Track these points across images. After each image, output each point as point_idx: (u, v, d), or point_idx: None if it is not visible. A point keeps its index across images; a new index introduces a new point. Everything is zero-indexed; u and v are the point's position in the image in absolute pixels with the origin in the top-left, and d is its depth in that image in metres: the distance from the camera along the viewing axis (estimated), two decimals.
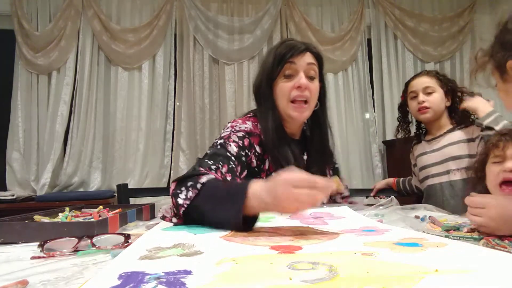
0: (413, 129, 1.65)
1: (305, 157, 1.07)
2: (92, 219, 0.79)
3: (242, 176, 0.92)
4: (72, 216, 0.84)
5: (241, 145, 0.93)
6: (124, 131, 2.72)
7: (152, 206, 1.05)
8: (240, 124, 0.99)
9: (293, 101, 0.99)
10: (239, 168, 0.90)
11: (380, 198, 1.64)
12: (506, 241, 0.54)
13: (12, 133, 2.59)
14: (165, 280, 0.35)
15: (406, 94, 1.55)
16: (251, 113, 1.08)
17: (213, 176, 0.77)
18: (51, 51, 2.65)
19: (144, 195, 1.93)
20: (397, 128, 1.64)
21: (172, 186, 0.76)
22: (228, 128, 0.98)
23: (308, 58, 0.99)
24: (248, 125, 0.99)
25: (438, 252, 0.47)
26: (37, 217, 0.78)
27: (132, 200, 1.67)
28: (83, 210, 0.96)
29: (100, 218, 0.78)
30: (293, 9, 2.96)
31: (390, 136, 2.92)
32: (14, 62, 2.64)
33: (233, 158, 0.89)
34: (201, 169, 0.81)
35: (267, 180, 0.65)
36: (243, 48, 2.86)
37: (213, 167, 0.83)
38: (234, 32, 2.91)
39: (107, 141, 2.73)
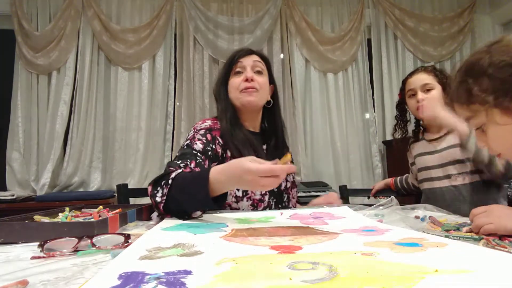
0: (410, 127, 1.61)
1: (264, 146, 1.20)
2: (92, 219, 0.79)
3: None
4: (72, 216, 0.84)
5: (205, 141, 1.03)
6: (124, 131, 2.72)
7: (152, 206, 1.05)
8: (200, 124, 1.11)
9: (243, 92, 1.13)
10: (206, 162, 1.00)
11: (380, 199, 1.64)
12: (506, 241, 0.54)
13: (12, 133, 2.59)
14: (165, 280, 0.35)
15: (404, 92, 1.51)
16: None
17: (181, 170, 0.87)
18: (51, 51, 2.65)
19: (144, 195, 1.92)
20: (394, 127, 1.62)
21: (149, 189, 0.87)
22: (191, 131, 1.09)
23: (254, 57, 1.16)
24: (207, 123, 1.12)
25: (438, 252, 0.47)
26: (37, 217, 0.78)
27: (132, 200, 1.67)
28: (83, 210, 0.95)
29: (100, 218, 0.78)
30: (293, 9, 2.96)
31: (390, 136, 2.91)
32: (14, 62, 2.64)
33: (199, 154, 0.99)
34: (171, 168, 0.90)
35: (227, 165, 0.79)
36: None
37: (181, 165, 0.92)
38: (234, 32, 2.91)
39: (107, 141, 2.73)
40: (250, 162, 0.73)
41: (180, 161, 0.94)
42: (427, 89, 1.40)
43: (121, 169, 2.68)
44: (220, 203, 0.82)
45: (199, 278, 0.36)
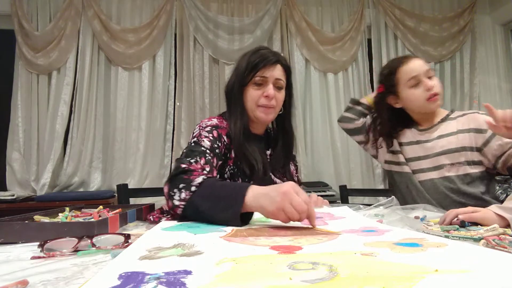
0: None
1: (268, 151, 1.19)
2: (92, 219, 0.79)
3: (218, 166, 1.01)
4: (72, 216, 0.84)
5: (211, 138, 1.01)
6: (124, 131, 2.72)
7: (152, 206, 1.05)
8: (206, 121, 1.09)
9: (260, 106, 1.09)
10: (215, 160, 0.98)
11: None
12: (506, 241, 0.54)
13: (12, 133, 2.59)
14: (165, 280, 0.35)
15: (393, 83, 1.29)
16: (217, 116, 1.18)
17: (205, 176, 0.83)
18: (51, 51, 2.65)
19: (144, 195, 1.93)
20: (376, 129, 1.39)
21: (166, 188, 0.84)
22: (196, 128, 1.07)
23: (277, 71, 1.09)
24: (214, 121, 1.09)
25: (438, 252, 0.47)
26: (37, 217, 0.78)
27: (132, 200, 1.68)
28: (83, 210, 0.96)
29: (100, 218, 0.78)
30: (293, 9, 2.96)
31: None
32: (14, 62, 2.64)
33: (208, 151, 0.97)
34: (183, 165, 0.87)
35: (267, 186, 0.74)
36: (243, 48, 2.85)
37: (192, 160, 0.90)
38: (234, 32, 2.91)
39: (107, 141, 2.73)
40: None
41: (189, 158, 0.91)
42: (430, 75, 1.24)
43: (121, 169, 2.68)
44: (246, 220, 0.76)
45: (199, 278, 0.36)
